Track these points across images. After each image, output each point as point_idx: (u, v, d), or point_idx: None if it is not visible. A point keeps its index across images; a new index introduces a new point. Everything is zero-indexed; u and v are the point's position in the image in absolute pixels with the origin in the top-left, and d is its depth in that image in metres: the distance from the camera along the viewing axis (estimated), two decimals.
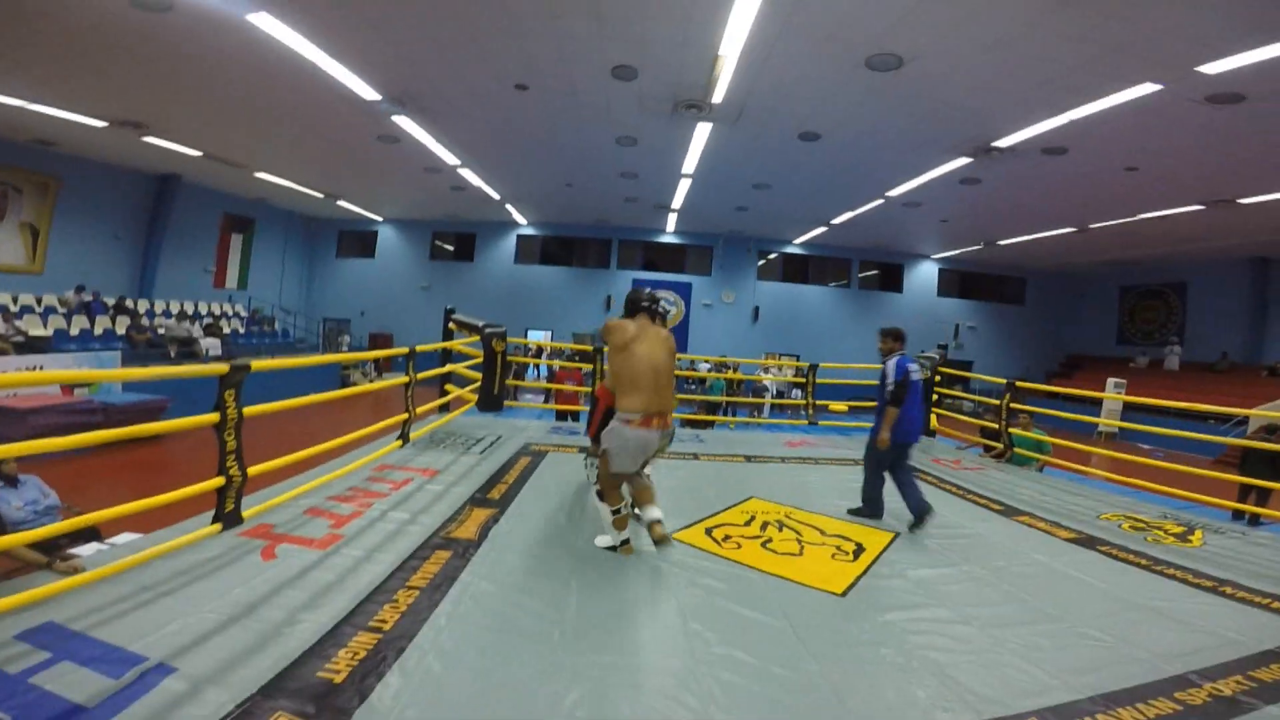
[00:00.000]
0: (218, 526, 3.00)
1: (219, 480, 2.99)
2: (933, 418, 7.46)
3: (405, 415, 5.10)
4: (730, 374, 11.92)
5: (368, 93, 8.74)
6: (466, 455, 5.21)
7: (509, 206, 16.94)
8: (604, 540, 3.40)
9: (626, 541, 3.30)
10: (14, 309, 11.06)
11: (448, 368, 6.47)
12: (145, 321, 12.93)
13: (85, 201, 13.18)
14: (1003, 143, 9.16)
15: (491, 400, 6.01)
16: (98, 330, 11.77)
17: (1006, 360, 19.48)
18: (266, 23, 6.73)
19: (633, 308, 3.59)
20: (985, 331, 20.32)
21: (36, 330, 10.70)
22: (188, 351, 12.28)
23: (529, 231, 19.51)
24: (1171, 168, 9.70)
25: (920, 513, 3.96)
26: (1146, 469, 6.07)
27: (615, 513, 3.30)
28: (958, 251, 18.81)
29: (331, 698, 1.91)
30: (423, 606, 2.55)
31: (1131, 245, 15.50)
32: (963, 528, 4.16)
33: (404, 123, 10.01)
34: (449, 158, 12.11)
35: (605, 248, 19.61)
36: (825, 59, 7.02)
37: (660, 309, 3.61)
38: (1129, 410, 13.97)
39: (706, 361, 13.30)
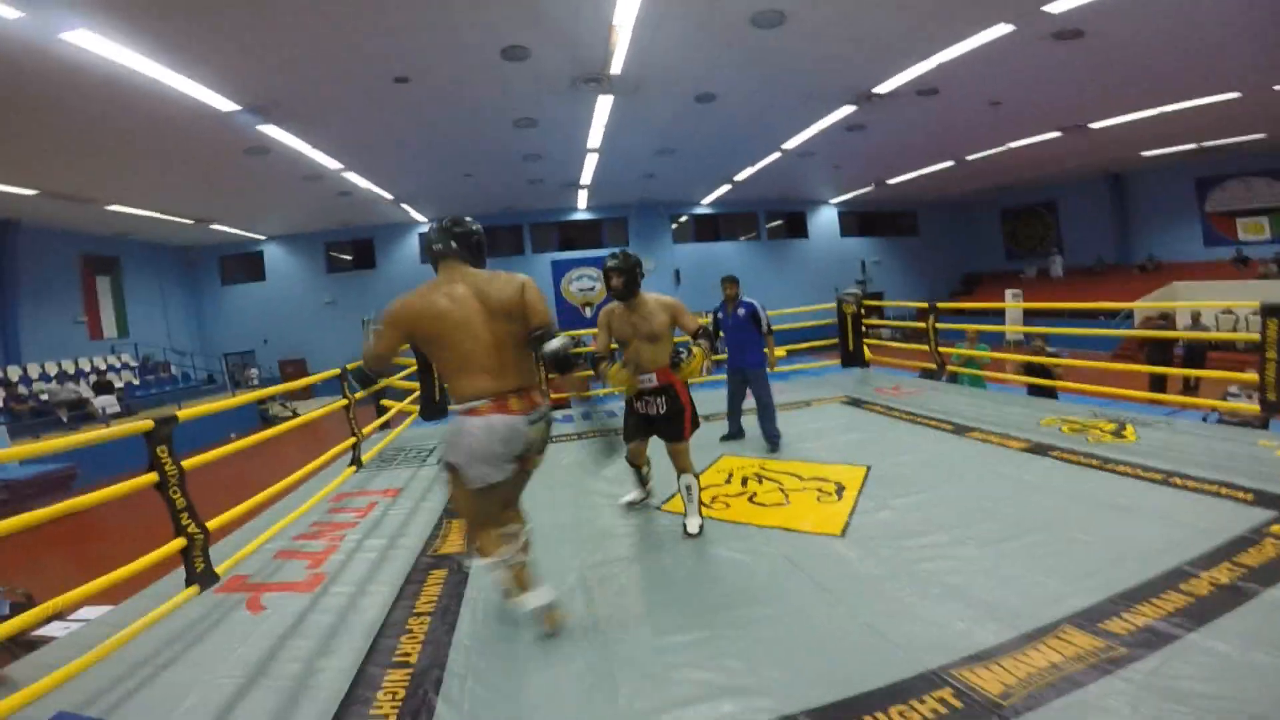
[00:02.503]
0: (194, 589, 2.76)
1: (180, 542, 2.75)
2: (865, 349, 7.81)
3: (353, 439, 4.80)
4: None
5: (223, 104, 7.96)
6: (424, 468, 4.97)
7: (405, 206, 16.11)
8: (530, 599, 2.31)
9: (552, 610, 2.32)
10: None
11: (382, 382, 6.13)
12: (22, 389, 11.48)
13: None
14: (881, 89, 9.66)
15: (433, 408, 5.75)
16: None
17: (911, 287, 20.75)
18: (87, 40, 5.94)
19: (440, 249, 2.32)
20: (889, 264, 21.52)
21: None
22: (81, 414, 11.04)
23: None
24: (1030, 100, 10.56)
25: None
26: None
27: (502, 567, 2.31)
28: (853, 194, 19.73)
29: None
30: (440, 632, 2.46)
31: (1004, 171, 16.83)
32: (925, 450, 4.38)
33: (272, 131, 9.22)
34: (330, 163, 11.30)
35: (516, 233, 19.11)
36: (714, 20, 7.06)
37: (477, 239, 2.35)
38: (1029, 316, 15.28)
39: None
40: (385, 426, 6.32)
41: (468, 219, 2.39)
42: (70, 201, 11.76)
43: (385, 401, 6.53)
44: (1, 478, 7.31)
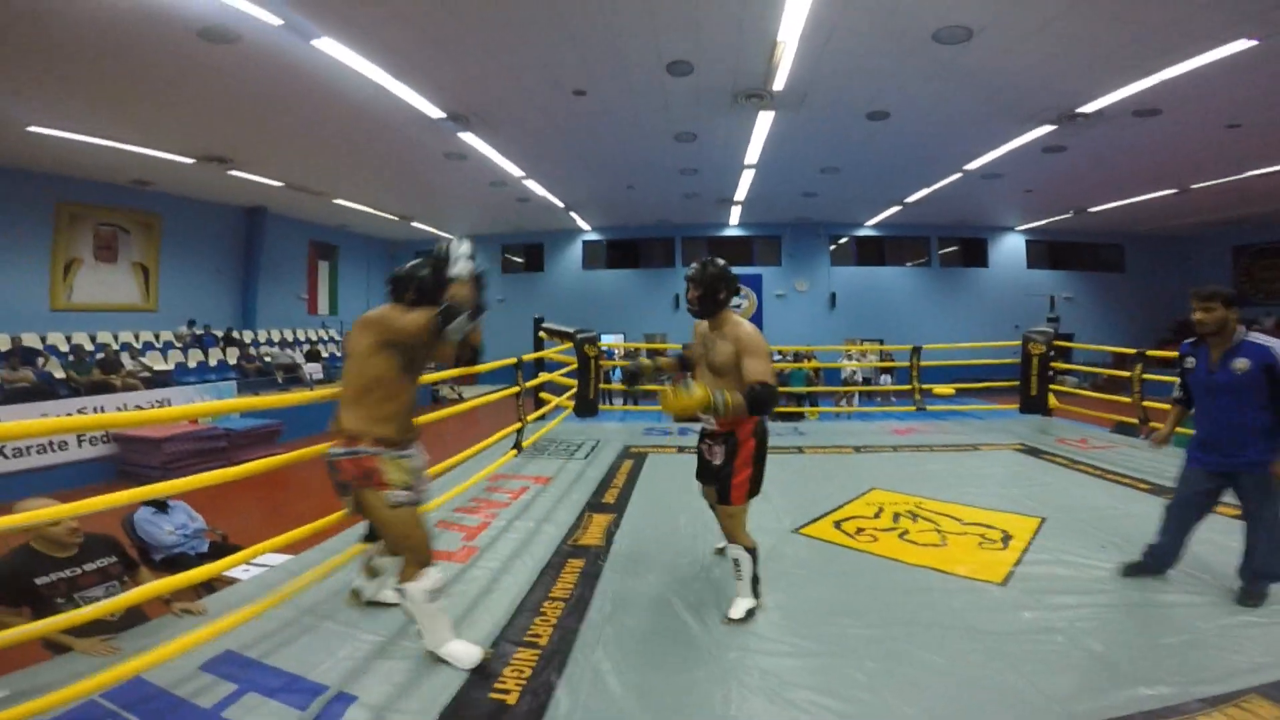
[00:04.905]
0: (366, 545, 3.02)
1: None
2: (1050, 396, 6.98)
3: (518, 424, 5.21)
4: (810, 364, 11.54)
5: (433, 111, 8.97)
6: (571, 461, 5.29)
7: (573, 214, 17.16)
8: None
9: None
10: (137, 346, 12.09)
11: (543, 377, 6.58)
12: (252, 351, 13.87)
13: (185, 238, 14.04)
14: (1088, 108, 8.62)
15: (587, 405, 6.08)
16: (211, 362, 12.72)
17: (1110, 331, 18.10)
18: (330, 47, 6.89)
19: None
20: (1084, 302, 18.99)
21: (159, 365, 11.67)
22: (293, 377, 13.11)
23: (593, 237, 19.74)
24: (1277, 121, 8.80)
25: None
26: None
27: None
28: (1046, 221, 17.69)
29: None
30: (571, 618, 2.55)
31: (1241, 203, 14.22)
32: (1115, 509, 3.87)
33: (469, 139, 10.26)
34: (514, 170, 12.35)
35: (669, 247, 19.57)
36: (889, 36, 6.73)
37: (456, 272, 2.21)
38: None
39: (782, 353, 12.41)
40: (540, 419, 6.78)
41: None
42: (306, 194, 14.01)
43: (544, 395, 6.99)
44: (225, 427, 8.75)
